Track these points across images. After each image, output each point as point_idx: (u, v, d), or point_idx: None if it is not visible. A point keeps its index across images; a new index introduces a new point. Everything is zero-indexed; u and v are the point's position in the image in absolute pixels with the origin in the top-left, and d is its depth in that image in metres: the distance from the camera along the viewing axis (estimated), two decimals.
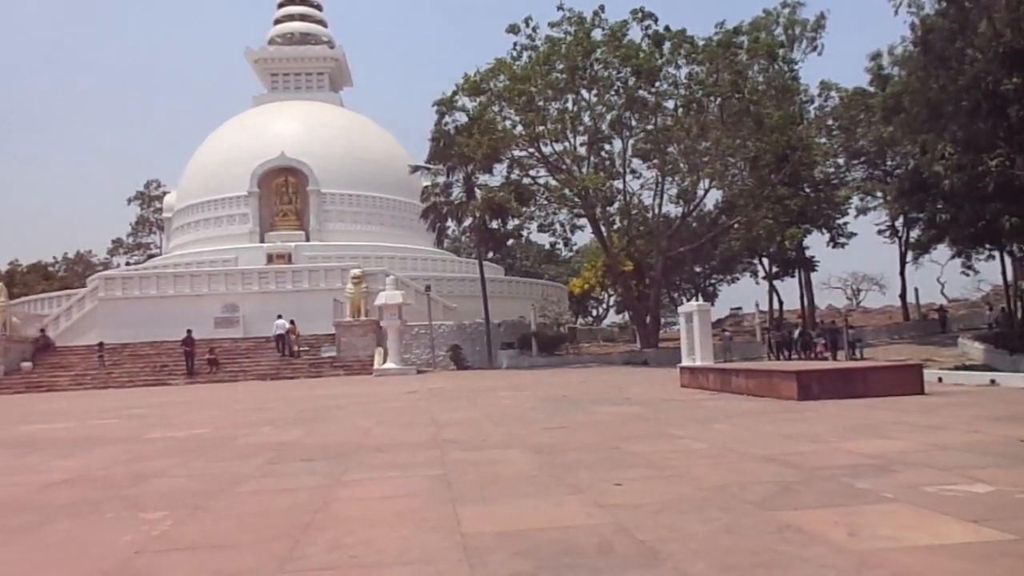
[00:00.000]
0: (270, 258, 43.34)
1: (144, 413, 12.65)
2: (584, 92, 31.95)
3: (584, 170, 32.03)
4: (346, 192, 48.00)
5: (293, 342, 33.27)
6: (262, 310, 35.74)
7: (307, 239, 46.18)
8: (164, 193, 64.46)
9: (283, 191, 47.82)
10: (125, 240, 79.77)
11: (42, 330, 34.92)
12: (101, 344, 32.60)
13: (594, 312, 67.64)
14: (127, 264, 66.96)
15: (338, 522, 3.38)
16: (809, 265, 41.08)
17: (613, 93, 31.52)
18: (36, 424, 11.09)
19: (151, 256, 63.65)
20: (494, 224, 34.11)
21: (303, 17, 56.45)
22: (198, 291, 37.55)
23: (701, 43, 30.19)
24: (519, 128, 31.76)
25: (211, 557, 2.85)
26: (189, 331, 31.59)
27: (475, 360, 33.21)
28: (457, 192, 34.51)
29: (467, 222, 35.21)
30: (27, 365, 31.84)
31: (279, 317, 33.26)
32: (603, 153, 34.07)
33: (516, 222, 36.25)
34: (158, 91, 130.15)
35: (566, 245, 47.92)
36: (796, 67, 32.54)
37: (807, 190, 36.81)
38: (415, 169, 37.28)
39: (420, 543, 2.95)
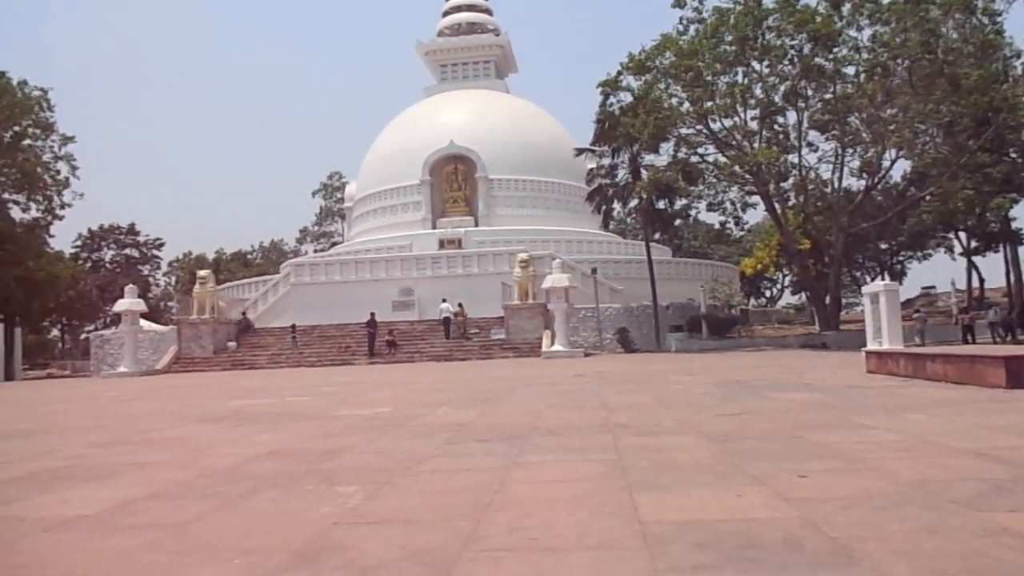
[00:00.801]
0: (442, 243, 45.02)
1: (332, 391, 13.61)
2: (755, 63, 30.39)
3: (756, 145, 30.54)
4: (513, 177, 48.84)
5: (461, 323, 34.41)
6: (435, 294, 37.20)
7: (476, 224, 47.48)
8: (345, 184, 68.68)
9: (453, 178, 49.44)
10: (311, 229, 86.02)
11: (244, 313, 38.37)
12: (294, 326, 35.30)
13: (768, 293, 64.73)
14: (314, 251, 72.22)
15: (516, 504, 3.45)
16: (1016, 239, 36.95)
17: (787, 63, 29.75)
18: (241, 400, 12.24)
19: (334, 244, 68.19)
20: (661, 204, 33.45)
21: (470, 7, 57.86)
22: (377, 276, 39.74)
23: (886, 1, 27.76)
24: (686, 105, 30.78)
25: (400, 532, 3.01)
26: (372, 314, 33.51)
27: (643, 343, 32.84)
28: (622, 173, 34.12)
29: (633, 203, 34.77)
30: (232, 345, 35.14)
31: (444, 301, 34.56)
32: (776, 127, 32.32)
33: (684, 202, 35.31)
34: (339, 89, 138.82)
35: (737, 224, 46.08)
36: (999, 20, 29.10)
37: (1013, 155, 33.01)
38: (580, 152, 37.25)
39: (598, 528, 2.95)
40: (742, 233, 59.84)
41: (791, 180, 32.69)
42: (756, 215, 43.38)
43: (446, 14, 59.04)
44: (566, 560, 2.56)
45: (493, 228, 46.59)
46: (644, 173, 32.83)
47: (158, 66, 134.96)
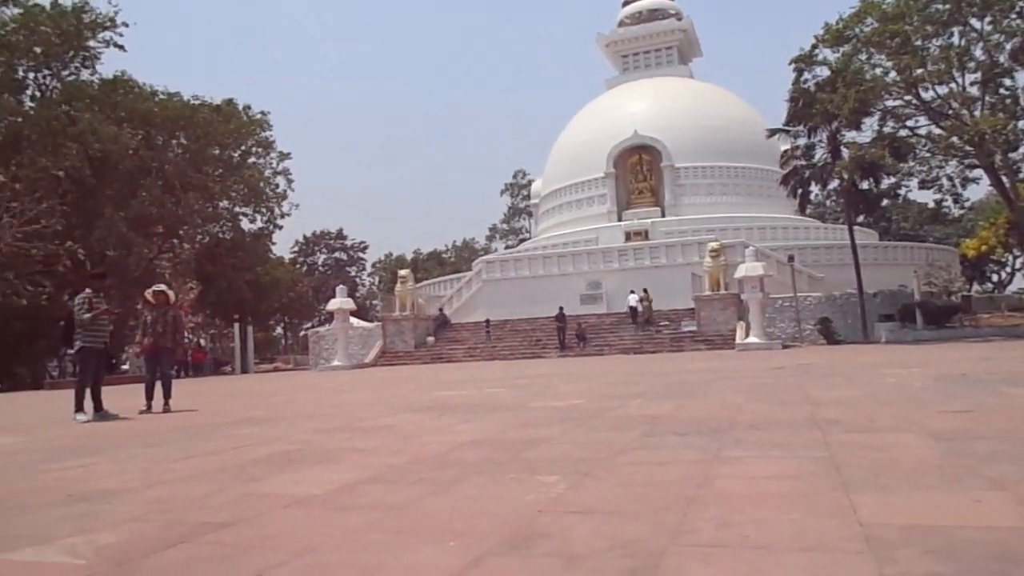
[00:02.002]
0: (628, 236, 44.68)
1: (526, 383, 13.95)
2: (974, 21, 27.32)
3: (977, 113, 27.45)
4: (700, 165, 47.45)
5: (647, 309, 34.11)
6: (623, 286, 37.02)
7: (663, 215, 46.65)
8: (530, 181, 70.08)
9: (637, 169, 48.87)
10: (500, 227, 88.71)
11: (440, 309, 40.34)
12: (488, 320, 36.59)
13: (995, 278, 58.04)
14: (503, 248, 74.45)
15: (722, 499, 3.35)
16: None
17: (1015, 16, 26.46)
18: (442, 391, 12.89)
19: (523, 240, 69.85)
20: (864, 184, 31.08)
21: None
22: (564, 270, 40.20)
23: None
24: (892, 75, 28.30)
25: (605, 522, 3.02)
26: (561, 308, 33.98)
27: (847, 334, 30.68)
28: (820, 153, 32.07)
29: (833, 184, 32.58)
30: (431, 339, 37.06)
31: (632, 292, 34.38)
32: (1002, 90, 28.86)
33: (891, 180, 32.55)
34: (523, 88, 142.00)
35: (956, 202, 41.78)
36: None
37: None
38: (772, 133, 35.42)
39: (814, 529, 2.79)
40: (962, 212, 54.12)
41: (1021, 149, 29.08)
42: (978, 191, 39.05)
43: (626, 3, 58.42)
44: (782, 560, 2.44)
45: (680, 218, 45.53)
46: (845, 152, 30.62)
47: (357, 81, 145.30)
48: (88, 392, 10.10)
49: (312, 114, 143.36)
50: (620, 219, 46.93)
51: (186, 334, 50.93)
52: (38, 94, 40.44)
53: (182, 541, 3.05)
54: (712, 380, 12.09)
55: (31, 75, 40.22)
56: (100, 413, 10.06)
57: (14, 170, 33.08)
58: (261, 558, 2.74)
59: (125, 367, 40.58)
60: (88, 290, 10.22)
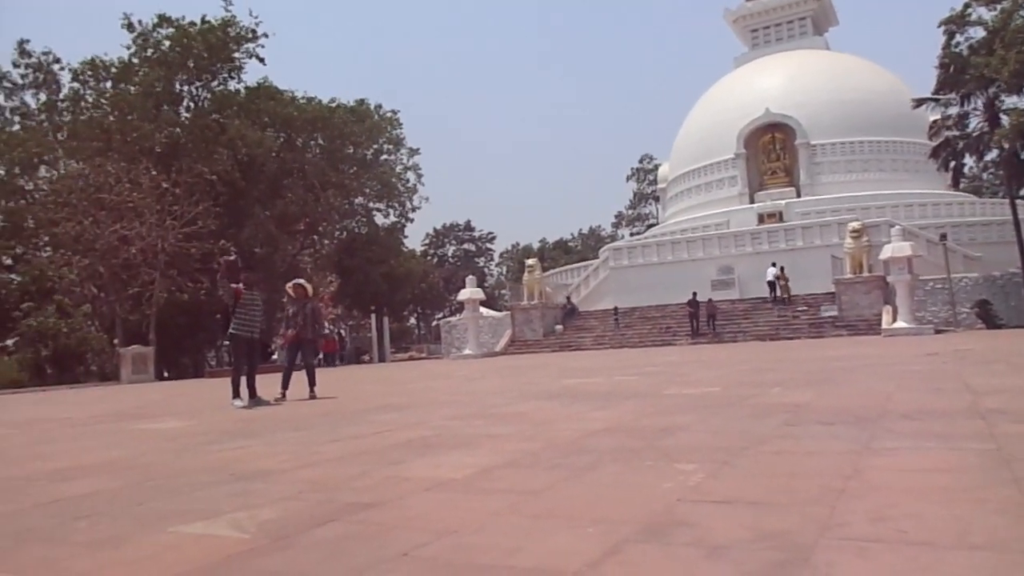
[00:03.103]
0: (761, 218, 43.06)
1: (657, 371, 13.75)
2: None
3: None
4: (838, 141, 44.96)
5: (784, 287, 33.05)
6: (756, 271, 35.77)
7: (798, 195, 44.64)
8: (657, 166, 68.83)
9: (770, 148, 46.97)
10: (625, 213, 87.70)
11: (567, 297, 40.41)
12: (616, 308, 36.33)
13: None
14: (630, 235, 73.55)
15: (875, 492, 3.16)
16: None
17: None
18: (572, 379, 12.91)
19: (650, 226, 68.75)
20: None
21: None
22: (694, 256, 39.26)
23: None
24: None
25: (748, 513, 2.92)
26: (694, 294, 33.23)
27: (1010, 317, 28.29)
28: (975, 122, 29.64)
29: (990, 155, 30.02)
30: (559, 328, 37.21)
31: (772, 265, 33.37)
32: None
33: None
34: (647, 71, 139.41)
35: None
36: None
37: None
38: (919, 103, 33.04)
39: (983, 526, 2.58)
40: None
41: None
42: None
43: None
44: (946, 558, 2.28)
45: (817, 197, 43.38)
46: (1005, 119, 28.11)
47: (482, 72, 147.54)
48: (244, 379, 10.85)
49: (439, 109, 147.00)
50: (752, 201, 45.22)
51: (326, 325, 53.78)
52: (192, 105, 43.67)
53: (333, 519, 3.21)
54: (857, 367, 11.45)
55: (186, 88, 43.47)
56: (255, 399, 10.78)
57: (174, 176, 35.92)
58: (406, 538, 2.84)
59: (275, 357, 43.35)
60: (239, 284, 10.93)
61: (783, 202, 43.34)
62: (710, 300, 33.10)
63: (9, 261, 41.82)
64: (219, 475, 4.64)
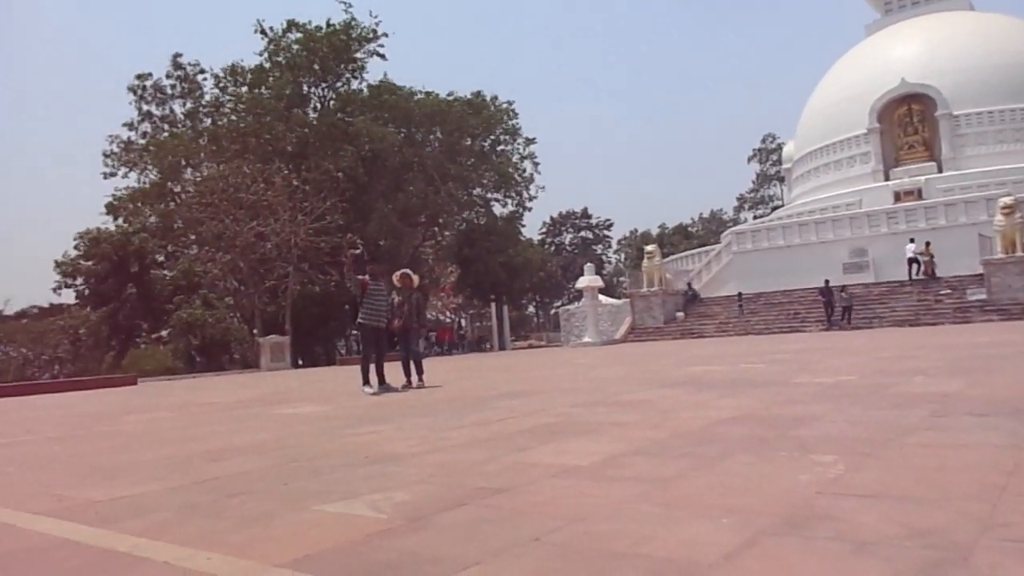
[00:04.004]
0: (897, 196, 40.56)
1: (786, 358, 13.22)
2: None
3: None
4: (985, 110, 41.62)
5: (928, 264, 31.04)
6: (892, 252, 33.79)
7: (939, 170, 41.71)
8: (780, 145, 66.01)
9: (907, 121, 44.08)
10: (747, 196, 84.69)
11: (689, 283, 39.52)
12: (740, 294, 35.23)
13: None
14: (753, 218, 71.01)
15: None
16: None
17: None
18: (695, 366, 12.62)
19: (775, 208, 66.10)
20: None
21: None
22: (823, 238, 37.52)
23: None
24: None
25: (895, 508, 2.76)
26: (826, 281, 31.72)
27: None
28: None
29: None
30: (680, 315, 36.48)
31: (911, 241, 31.49)
32: None
33: None
34: (767, 46, 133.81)
35: None
36: None
37: None
38: None
39: None
40: None
41: None
42: None
43: None
44: None
45: (962, 172, 40.37)
46: None
47: (595, 57, 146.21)
48: (373, 367, 11.28)
49: (554, 96, 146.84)
50: (887, 178, 42.54)
51: (436, 315, 55.08)
52: (319, 105, 45.68)
53: (464, 503, 3.29)
54: (1012, 354, 10.58)
55: (313, 89, 45.52)
56: (383, 386, 11.20)
57: (304, 174, 37.77)
58: (537, 523, 2.87)
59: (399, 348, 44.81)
60: (366, 275, 11.36)
61: (922, 178, 40.53)
62: (844, 287, 31.21)
63: (162, 259, 45.32)
64: (355, 458, 4.85)
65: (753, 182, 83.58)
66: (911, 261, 31.55)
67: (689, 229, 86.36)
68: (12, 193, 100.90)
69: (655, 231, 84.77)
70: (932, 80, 41.64)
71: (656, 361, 15.80)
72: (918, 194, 39.36)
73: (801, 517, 2.71)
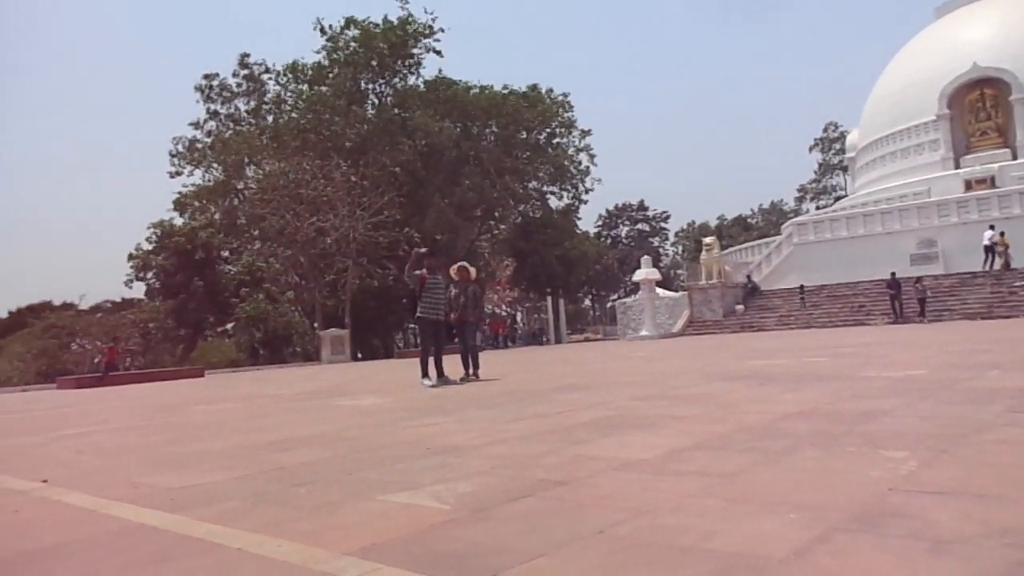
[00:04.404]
0: (968, 185, 39.06)
1: (851, 352, 12.87)
2: None
3: None
4: None
5: (1003, 253, 29.82)
6: (963, 243, 32.62)
7: (1014, 157, 40.01)
8: (843, 134, 64.25)
9: (979, 107, 42.37)
10: (809, 186, 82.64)
11: (748, 276, 38.82)
12: (802, 287, 34.44)
13: None
14: (815, 209, 69.23)
15: None
16: None
17: None
18: (757, 360, 12.39)
19: (838, 198, 64.36)
20: None
21: None
22: (889, 228, 36.44)
23: None
24: None
25: (974, 505, 2.66)
26: (892, 273, 30.76)
27: None
28: None
29: None
30: (740, 308, 35.86)
31: (990, 228, 30.36)
32: None
33: None
34: (829, 32, 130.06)
35: None
36: None
37: None
38: None
39: None
40: None
41: None
42: None
43: None
44: None
45: None
46: None
47: (652, 46, 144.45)
48: (432, 360, 11.40)
49: (610, 87, 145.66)
50: (957, 166, 40.96)
51: (492, 308, 55.25)
52: (376, 101, 46.30)
53: (526, 495, 3.30)
54: None
55: (370, 85, 46.15)
56: (442, 379, 11.31)
57: (362, 169, 38.37)
58: (600, 516, 2.86)
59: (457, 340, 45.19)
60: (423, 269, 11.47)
61: (995, 166, 38.87)
62: (920, 279, 30.01)
63: (226, 254, 46.65)
64: (416, 449, 4.91)
65: (815, 172, 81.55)
66: (987, 249, 30.33)
67: (748, 220, 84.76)
68: (88, 192, 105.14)
69: (713, 223, 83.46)
70: (1006, 63, 39.88)
71: (716, 354, 15.57)
72: (990, 182, 37.80)
73: (873, 514, 2.63)
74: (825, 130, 79.31)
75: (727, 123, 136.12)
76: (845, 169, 62.05)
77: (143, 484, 4.32)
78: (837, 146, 72.78)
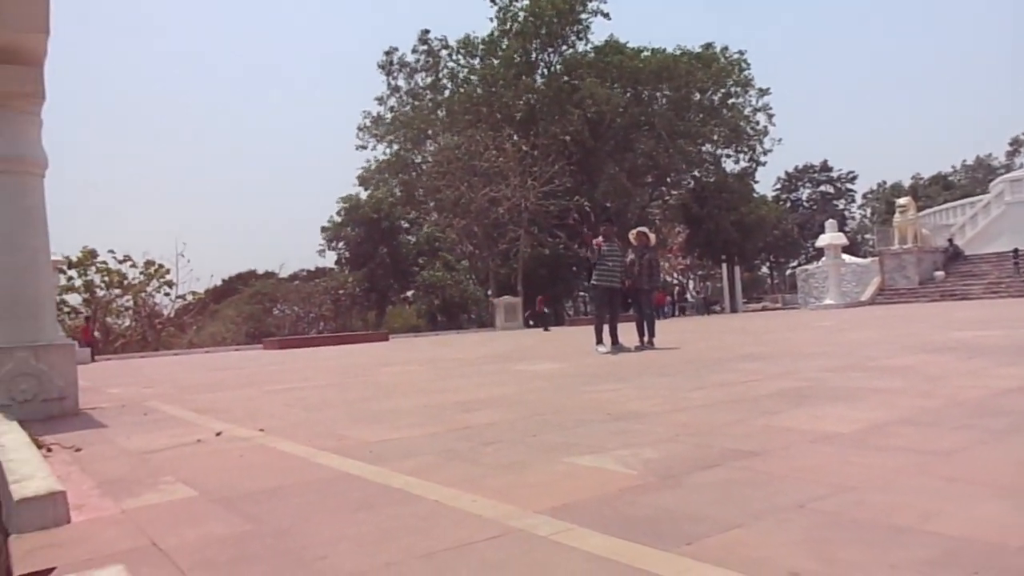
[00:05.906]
0: None
1: None
2: None
3: None
4: None
5: None
6: None
7: None
8: None
9: None
10: (1023, 138, 73.54)
11: (949, 240, 35.43)
12: (1016, 251, 31.04)
13: None
14: None
15: None
16: None
17: None
18: (963, 331, 11.28)
19: None
20: None
21: None
22: None
23: None
24: None
25: None
26: None
27: None
28: None
29: None
30: (939, 274, 32.85)
31: None
32: None
33: None
34: None
35: None
36: None
37: None
38: None
39: None
40: None
41: None
42: None
43: None
44: None
45: None
46: None
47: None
48: (606, 327, 11.38)
49: (790, 39, 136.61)
50: None
51: (663, 276, 54.08)
52: (545, 71, 46.38)
53: (715, 464, 3.20)
54: None
55: (539, 55, 46.27)
56: (617, 346, 11.26)
57: (532, 139, 38.73)
58: (798, 489, 2.72)
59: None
60: (600, 237, 11.42)
61: None
62: None
63: (406, 225, 49.01)
64: (597, 414, 4.92)
65: None
66: None
67: (949, 179, 77.05)
68: (285, 167, 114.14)
69: (907, 182, 76.65)
70: None
71: (913, 324, 14.35)
72: None
73: None
74: None
75: (925, 69, 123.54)
76: None
77: (346, 436, 4.65)
78: None
